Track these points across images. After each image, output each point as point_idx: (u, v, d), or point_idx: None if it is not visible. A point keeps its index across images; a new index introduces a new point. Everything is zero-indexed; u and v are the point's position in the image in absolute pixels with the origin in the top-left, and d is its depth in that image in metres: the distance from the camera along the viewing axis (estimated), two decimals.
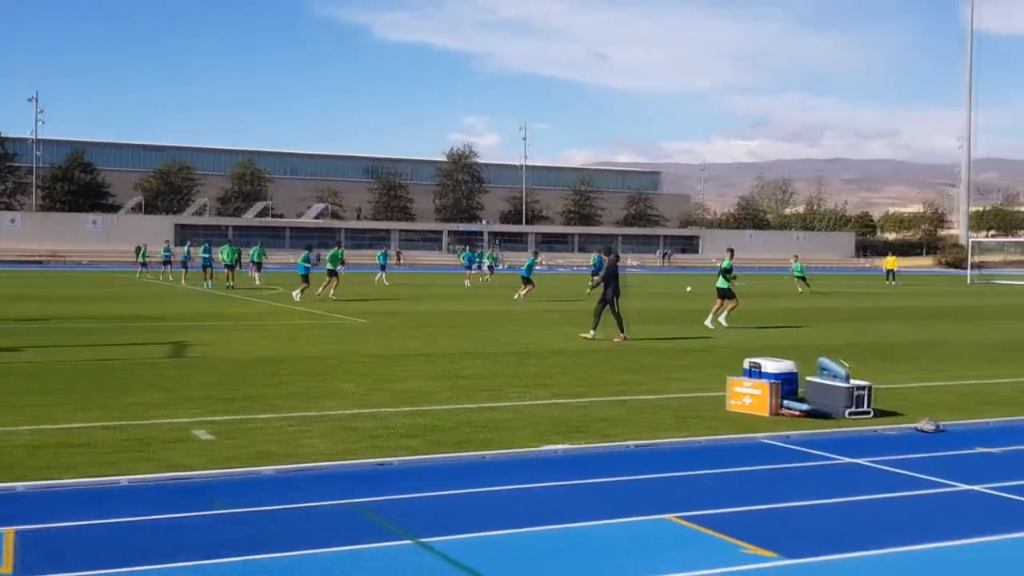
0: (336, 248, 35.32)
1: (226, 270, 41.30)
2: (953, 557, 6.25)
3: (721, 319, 23.16)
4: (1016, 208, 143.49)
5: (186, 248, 51.14)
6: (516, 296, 34.15)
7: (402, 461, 8.71)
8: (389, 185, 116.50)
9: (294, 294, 32.43)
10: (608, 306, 19.95)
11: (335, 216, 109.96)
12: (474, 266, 51.06)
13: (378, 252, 53.66)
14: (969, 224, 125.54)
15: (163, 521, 6.84)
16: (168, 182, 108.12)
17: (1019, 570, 6.00)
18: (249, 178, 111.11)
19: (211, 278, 41.36)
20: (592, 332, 19.83)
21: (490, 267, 53.71)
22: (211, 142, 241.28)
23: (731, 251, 24.45)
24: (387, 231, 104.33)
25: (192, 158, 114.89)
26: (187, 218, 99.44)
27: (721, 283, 23.28)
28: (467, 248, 59.76)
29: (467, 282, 46.60)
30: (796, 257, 46.94)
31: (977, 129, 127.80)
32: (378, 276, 47.81)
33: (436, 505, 7.36)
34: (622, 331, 19.65)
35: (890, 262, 58.45)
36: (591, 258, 37.53)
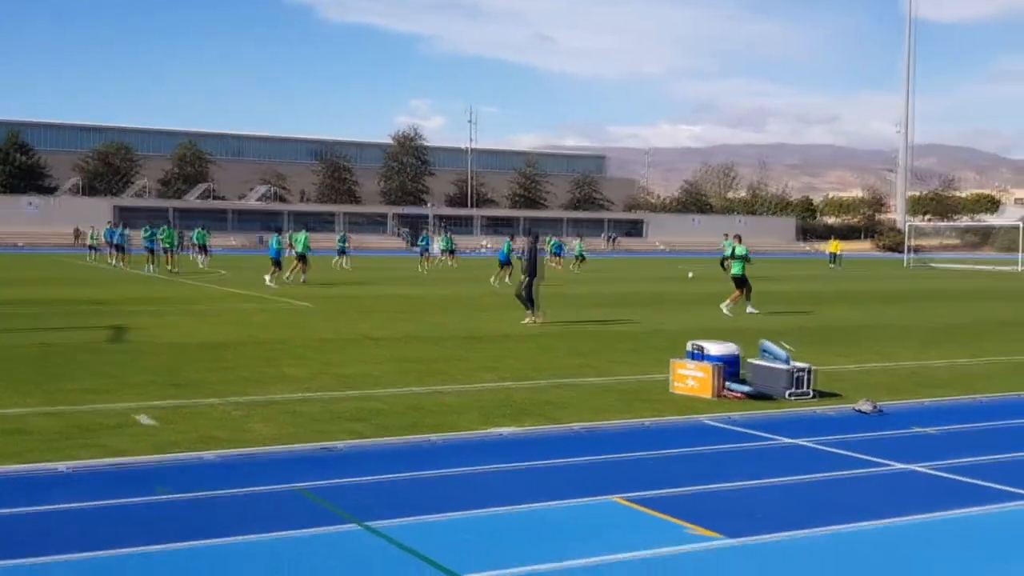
0: (304, 232, 34.83)
1: (165, 254, 40.56)
2: (891, 535, 6.40)
3: (748, 307, 22.95)
4: (953, 193, 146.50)
5: (119, 230, 49.44)
6: (493, 280, 34.17)
7: (348, 445, 8.68)
8: (334, 168, 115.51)
9: (266, 279, 31.58)
10: (526, 288, 19.92)
11: (279, 199, 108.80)
12: (435, 249, 50.90)
13: (336, 236, 52.81)
14: (907, 209, 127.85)
15: (105, 508, 6.75)
16: (108, 163, 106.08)
17: (954, 547, 6.16)
18: (191, 160, 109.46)
19: (154, 262, 40.63)
20: (532, 316, 19.81)
21: (451, 251, 53.39)
22: (152, 123, 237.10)
23: (739, 237, 24.38)
24: (332, 214, 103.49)
25: (132, 139, 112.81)
26: (127, 200, 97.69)
27: (737, 270, 23.08)
28: (425, 231, 58.66)
29: (422, 268, 45.52)
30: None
31: (916, 115, 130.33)
32: (335, 260, 46.70)
33: (382, 489, 7.36)
34: (532, 313, 19.76)
35: (834, 246, 59.29)
36: (504, 243, 37.87)
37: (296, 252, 33.56)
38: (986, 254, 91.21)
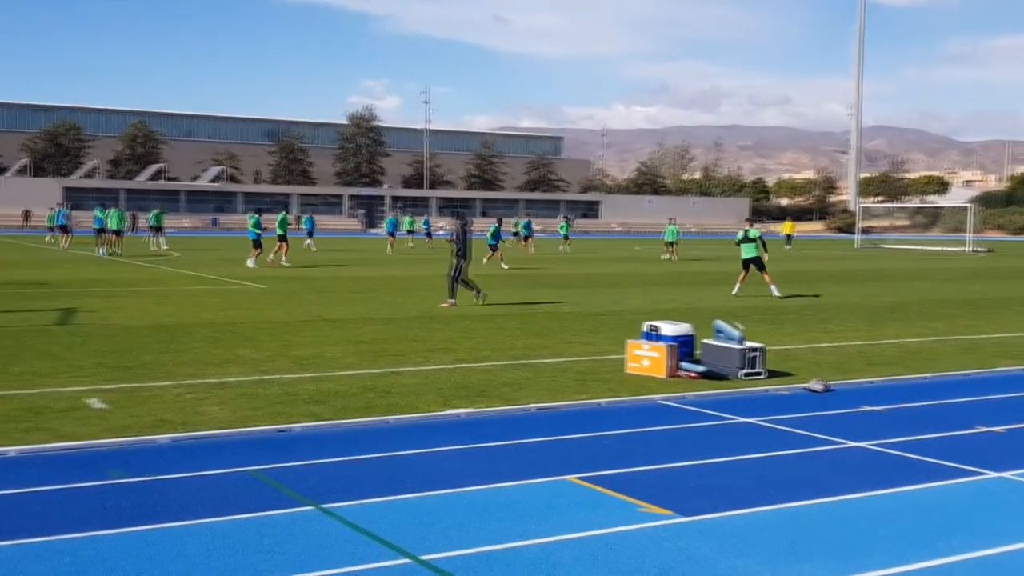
0: (284, 213, 34.58)
1: (113, 235, 39.61)
2: (840, 511, 6.52)
3: (773, 288, 22.55)
4: (902, 175, 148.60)
5: (63, 210, 48.11)
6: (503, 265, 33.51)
7: (304, 427, 8.65)
8: (288, 148, 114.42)
9: (248, 262, 30.92)
10: (455, 271, 19.47)
11: (232, 180, 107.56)
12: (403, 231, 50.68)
13: (303, 217, 52.54)
14: (858, 190, 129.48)
15: (56, 492, 6.67)
16: (57, 143, 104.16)
17: (902, 522, 6.29)
18: (142, 140, 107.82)
19: (104, 244, 39.90)
20: (450, 301, 19.18)
21: (428, 233, 53.41)
22: (102, 102, 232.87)
23: (751, 220, 24.28)
24: (287, 195, 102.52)
25: (82, 119, 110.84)
26: (77, 181, 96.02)
27: (750, 252, 22.60)
28: (393, 214, 57.81)
29: (390, 249, 45.05)
30: (672, 220, 43.94)
31: (867, 98, 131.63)
32: (307, 242, 46.43)
33: (339, 471, 7.35)
34: (452, 297, 19.30)
35: (788, 227, 59.70)
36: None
37: (277, 233, 33.26)
38: (935, 235, 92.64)
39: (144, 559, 5.42)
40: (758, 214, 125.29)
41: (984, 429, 9.08)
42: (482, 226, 51.76)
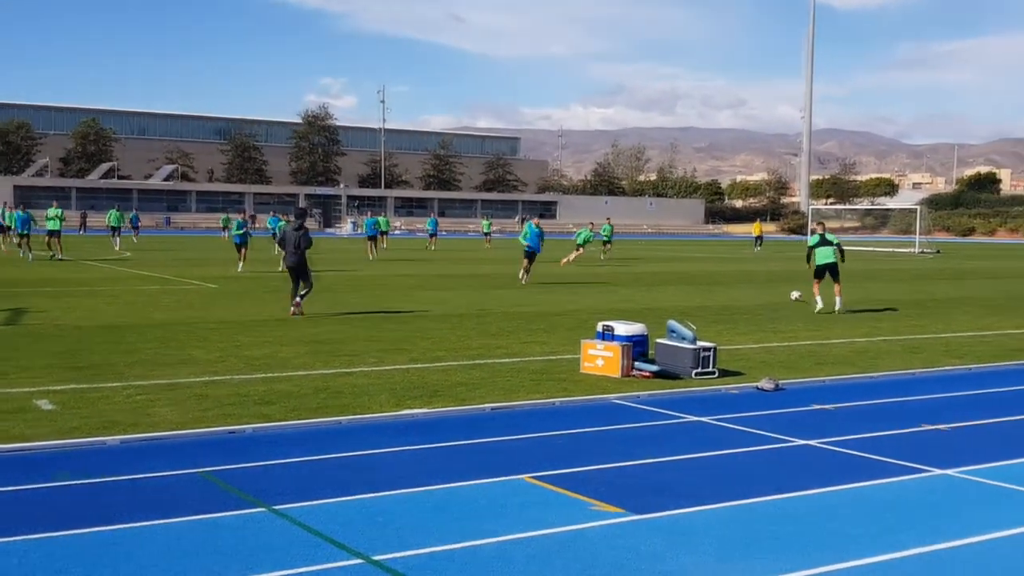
0: (241, 219, 33.45)
1: (48, 236, 37.34)
2: (790, 508, 6.61)
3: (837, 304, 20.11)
4: (852, 177, 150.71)
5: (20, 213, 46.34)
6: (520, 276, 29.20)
7: (256, 428, 8.59)
8: (242, 147, 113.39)
9: (239, 267, 30.03)
10: (291, 271, 17.76)
11: (185, 178, 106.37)
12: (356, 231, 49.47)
13: (268, 217, 50.20)
14: (809, 192, 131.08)
15: (3, 494, 6.57)
16: (6, 142, 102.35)
17: (850, 519, 6.39)
18: (93, 138, 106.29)
19: (21, 244, 37.41)
20: (296, 306, 17.53)
21: (383, 232, 51.55)
22: (52, 99, 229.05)
23: (822, 223, 21.61)
24: (241, 194, 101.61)
25: (32, 116, 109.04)
26: (27, 179, 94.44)
27: (827, 258, 19.96)
28: (369, 214, 54.00)
29: (371, 254, 38.94)
30: (608, 219, 43.42)
31: (818, 101, 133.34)
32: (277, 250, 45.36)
33: (292, 472, 7.31)
34: (297, 297, 17.48)
35: (756, 228, 59.63)
36: (267, 220, 37.83)
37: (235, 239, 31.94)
38: (884, 236, 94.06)
39: (93, 562, 5.35)
40: (713, 216, 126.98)
41: (930, 427, 9.26)
42: (448, 226, 51.62)
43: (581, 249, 37.17)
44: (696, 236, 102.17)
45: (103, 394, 9.94)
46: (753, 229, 60.31)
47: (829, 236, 20.44)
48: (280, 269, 26.19)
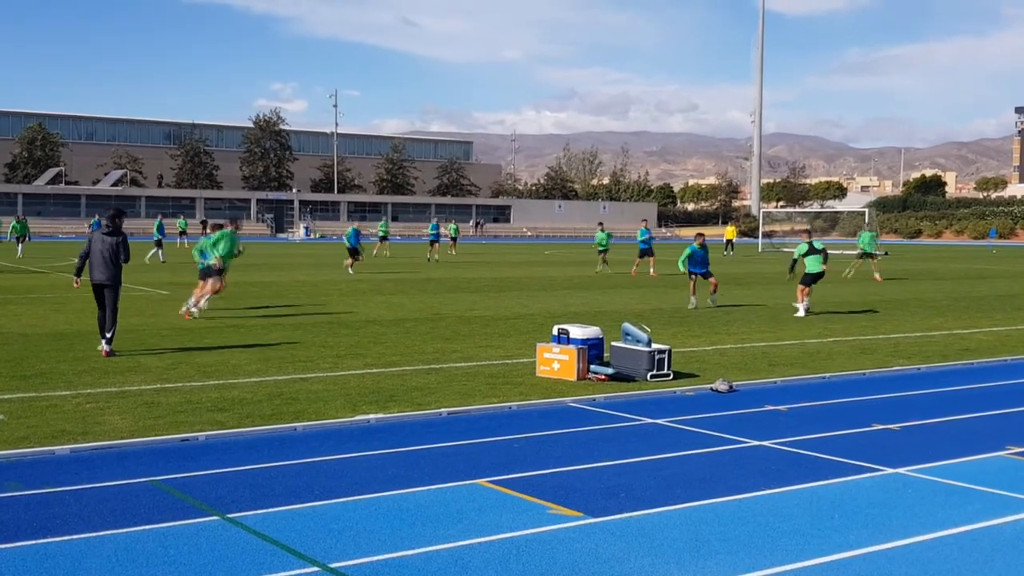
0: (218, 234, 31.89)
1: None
2: (744, 508, 6.66)
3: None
4: (802, 181, 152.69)
5: None
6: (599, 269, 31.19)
7: (208, 436, 8.48)
8: (193, 151, 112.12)
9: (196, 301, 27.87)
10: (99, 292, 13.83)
11: (135, 183, 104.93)
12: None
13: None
14: (760, 195, 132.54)
15: None
16: None
17: (802, 518, 6.46)
18: (40, 143, 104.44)
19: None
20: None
21: (383, 237, 46.95)
22: None
23: (810, 232, 21.85)
24: (191, 199, 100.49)
25: None
26: None
27: (816, 267, 20.05)
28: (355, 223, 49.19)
29: (351, 270, 33.25)
30: (601, 226, 41.31)
31: (768, 105, 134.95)
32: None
33: (245, 479, 7.22)
34: (104, 341, 13.40)
35: (729, 232, 59.38)
36: (154, 223, 37.43)
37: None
38: (834, 239, 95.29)
39: (42, 574, 5.25)
40: (666, 219, 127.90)
41: (880, 427, 9.39)
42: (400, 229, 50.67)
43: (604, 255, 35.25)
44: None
45: (52, 403, 9.76)
46: (726, 233, 59.72)
47: (816, 243, 20.58)
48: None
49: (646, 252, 33.54)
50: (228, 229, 18.28)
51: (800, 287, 20.15)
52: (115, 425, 8.82)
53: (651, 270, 33.36)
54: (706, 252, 21.66)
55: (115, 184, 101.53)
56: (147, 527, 6.04)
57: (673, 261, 37.15)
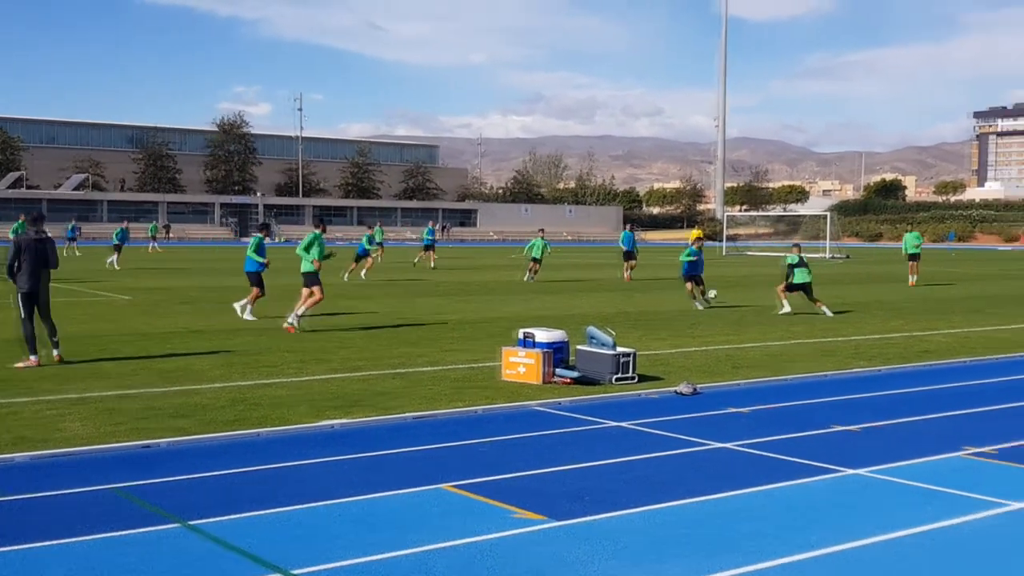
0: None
1: None
2: (706, 510, 6.71)
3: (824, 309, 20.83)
4: (765, 184, 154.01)
5: None
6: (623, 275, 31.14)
7: (170, 443, 8.41)
8: (155, 155, 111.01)
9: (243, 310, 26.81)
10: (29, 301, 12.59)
11: (96, 187, 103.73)
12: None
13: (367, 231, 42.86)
14: (724, 199, 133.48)
15: None
16: None
17: (764, 519, 6.52)
18: (0, 147, 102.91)
19: None
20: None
21: (380, 243, 47.37)
22: None
23: (798, 246, 22.34)
24: (154, 203, 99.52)
25: None
26: None
27: (804, 278, 20.91)
28: (370, 229, 46.54)
29: (363, 275, 32.84)
30: (541, 232, 37.60)
31: (731, 110, 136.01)
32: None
33: (207, 486, 7.17)
34: (54, 347, 12.69)
35: (694, 235, 59.70)
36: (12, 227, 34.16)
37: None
38: (796, 242, 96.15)
39: None
40: (630, 222, 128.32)
41: (841, 428, 9.50)
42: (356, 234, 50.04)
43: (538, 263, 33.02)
44: (612, 243, 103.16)
45: (11, 409, 9.63)
46: (691, 236, 59.76)
47: (804, 258, 21.71)
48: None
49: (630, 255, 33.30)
50: (317, 231, 17.63)
51: (784, 290, 21.04)
52: (75, 432, 8.72)
53: (624, 274, 33.50)
54: (806, 265, 21.52)
55: (76, 188, 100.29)
56: (107, 535, 5.98)
57: (654, 264, 37.41)
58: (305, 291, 17.16)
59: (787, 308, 20.74)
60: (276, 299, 23.44)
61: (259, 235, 19.16)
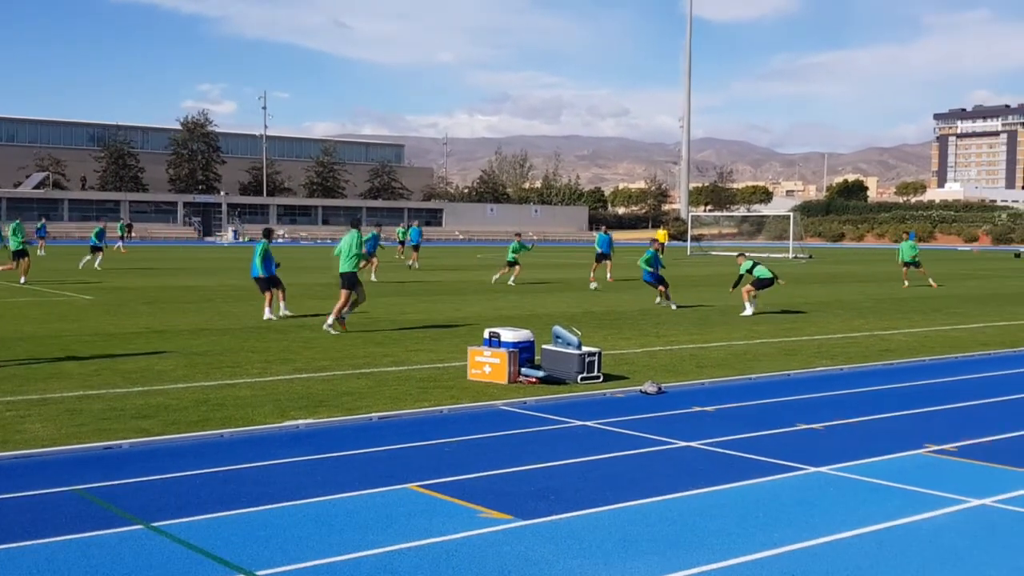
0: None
1: None
2: (672, 508, 6.75)
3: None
4: (729, 185, 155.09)
5: None
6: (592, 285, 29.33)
7: (133, 444, 8.33)
8: (117, 153, 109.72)
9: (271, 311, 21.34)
10: None
11: (57, 186, 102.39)
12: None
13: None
14: (689, 199, 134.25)
15: None
16: None
17: (728, 517, 6.56)
18: None
19: None
20: None
21: (402, 243, 46.40)
22: None
23: (743, 255, 22.71)
24: (116, 202, 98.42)
25: None
26: None
27: (764, 274, 21.22)
28: (402, 225, 45.42)
29: (373, 276, 32.10)
30: (518, 236, 39.50)
31: (696, 110, 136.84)
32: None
33: (171, 487, 7.11)
34: None
35: (661, 235, 59.77)
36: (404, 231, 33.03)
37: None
38: (760, 242, 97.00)
39: None
40: (597, 222, 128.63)
41: (804, 426, 9.59)
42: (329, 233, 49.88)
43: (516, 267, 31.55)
44: (578, 242, 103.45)
45: None
46: (657, 236, 59.87)
47: (754, 258, 22.48)
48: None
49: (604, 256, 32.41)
50: (356, 230, 17.21)
51: (746, 290, 21.24)
52: (36, 433, 8.61)
53: (607, 274, 33.03)
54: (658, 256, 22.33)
55: (37, 187, 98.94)
56: (69, 537, 5.91)
57: (620, 264, 37.52)
58: (345, 293, 16.85)
59: (749, 311, 20.82)
60: (229, 301, 23.27)
61: (265, 241, 19.05)
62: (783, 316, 20.78)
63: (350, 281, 16.80)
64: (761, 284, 21.34)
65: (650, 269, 22.89)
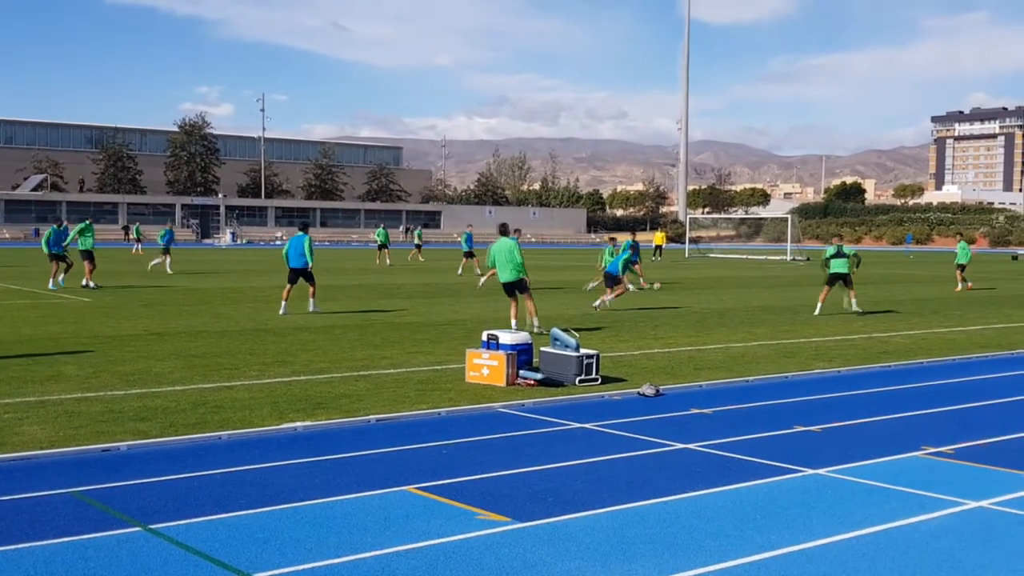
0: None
1: None
2: (669, 511, 6.76)
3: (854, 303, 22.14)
4: (727, 187, 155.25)
5: None
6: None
7: (131, 446, 8.33)
8: (116, 156, 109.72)
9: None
10: None
11: (55, 188, 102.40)
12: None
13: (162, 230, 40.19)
14: (687, 202, 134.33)
15: None
16: None
17: (726, 519, 6.57)
18: None
19: None
20: None
21: (418, 245, 49.89)
22: None
23: (841, 236, 23.38)
24: (114, 204, 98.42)
25: None
26: None
27: (840, 268, 21.93)
28: (412, 226, 48.65)
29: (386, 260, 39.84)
30: (470, 226, 41.05)
31: (694, 113, 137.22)
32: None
33: (169, 489, 7.10)
34: None
35: (658, 238, 59.71)
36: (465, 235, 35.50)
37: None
38: (758, 244, 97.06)
39: None
40: (595, 225, 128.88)
41: (802, 429, 9.60)
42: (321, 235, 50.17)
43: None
44: (576, 245, 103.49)
45: None
46: (655, 239, 59.73)
47: (845, 249, 22.53)
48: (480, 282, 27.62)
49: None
50: (514, 238, 17.65)
51: (825, 287, 22.14)
52: (34, 435, 8.61)
53: (641, 281, 32.35)
54: (847, 255, 22.40)
55: (35, 189, 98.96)
56: (67, 539, 5.91)
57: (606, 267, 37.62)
58: (613, 287, 18.74)
59: (818, 311, 21.46)
60: (226, 303, 23.28)
61: (306, 234, 20.54)
62: (782, 318, 20.79)
63: (616, 279, 19.10)
64: (834, 279, 21.93)
65: (611, 260, 23.39)
